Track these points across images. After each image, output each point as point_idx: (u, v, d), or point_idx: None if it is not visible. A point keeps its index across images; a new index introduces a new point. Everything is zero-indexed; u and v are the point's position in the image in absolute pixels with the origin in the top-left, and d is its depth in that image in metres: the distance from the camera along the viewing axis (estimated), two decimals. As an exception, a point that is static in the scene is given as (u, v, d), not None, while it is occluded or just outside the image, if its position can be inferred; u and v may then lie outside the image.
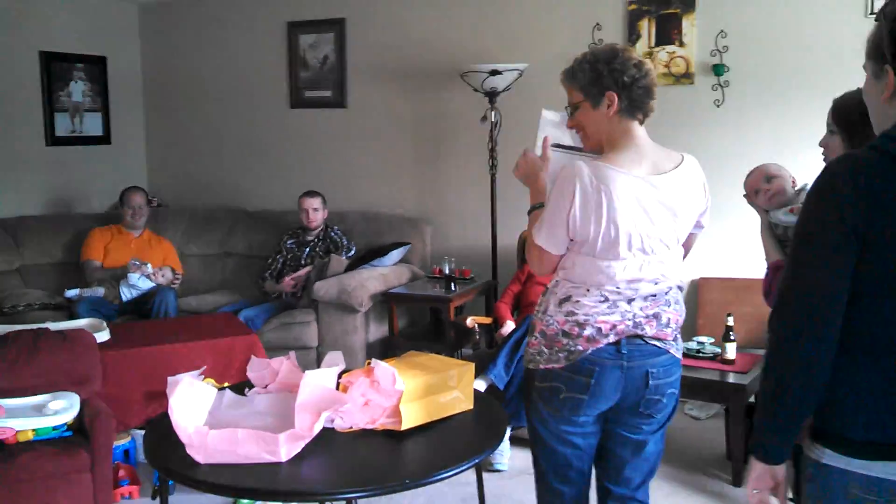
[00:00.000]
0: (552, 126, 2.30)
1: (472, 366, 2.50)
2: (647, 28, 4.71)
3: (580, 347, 2.10)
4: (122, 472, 3.57)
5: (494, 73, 4.69)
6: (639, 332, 2.11)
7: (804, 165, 3.29)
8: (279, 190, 5.91)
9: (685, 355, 3.14)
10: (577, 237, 2.07)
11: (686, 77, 4.64)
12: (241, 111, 6.12)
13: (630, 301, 2.11)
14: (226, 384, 2.70)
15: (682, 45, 4.64)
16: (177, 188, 6.38)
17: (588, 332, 2.08)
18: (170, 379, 2.24)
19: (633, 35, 4.74)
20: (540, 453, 2.30)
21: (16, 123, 5.54)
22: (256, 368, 2.59)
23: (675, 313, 2.19)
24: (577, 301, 2.11)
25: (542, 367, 2.17)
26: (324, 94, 5.80)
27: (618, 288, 2.10)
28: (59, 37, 5.79)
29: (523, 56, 4.89)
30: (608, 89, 2.13)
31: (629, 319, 2.10)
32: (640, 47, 4.70)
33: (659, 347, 2.15)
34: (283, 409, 2.33)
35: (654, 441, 2.27)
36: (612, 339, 2.09)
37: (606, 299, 2.10)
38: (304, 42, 5.81)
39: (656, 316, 2.14)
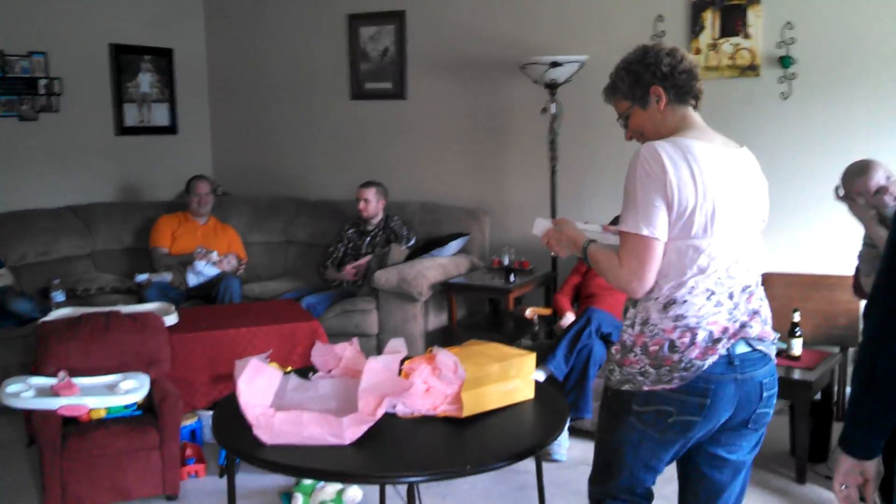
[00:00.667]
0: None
1: (533, 355, 2.52)
2: (710, 19, 4.64)
3: (696, 363, 1.94)
4: (188, 451, 3.68)
5: (555, 64, 4.67)
6: (747, 332, 1.99)
7: (876, 159, 3.23)
8: (340, 180, 5.99)
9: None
10: (677, 208, 1.92)
11: (751, 69, 4.56)
12: (302, 102, 6.21)
13: (731, 296, 1.99)
14: (289, 368, 2.76)
15: (747, 36, 4.55)
16: (241, 177, 6.51)
17: (700, 337, 1.95)
18: (237, 361, 2.31)
19: (696, 27, 4.67)
20: (615, 470, 2.11)
21: (87, 114, 5.71)
22: (321, 353, 2.64)
23: (768, 309, 2.10)
24: (685, 301, 1.96)
25: (645, 388, 1.99)
26: (384, 85, 5.85)
27: (719, 278, 1.97)
28: (128, 29, 5.95)
29: (584, 48, 4.85)
30: (651, 85, 2.09)
31: (735, 320, 1.98)
32: (704, 39, 4.63)
33: (765, 354, 2.04)
34: (346, 394, 2.38)
35: (751, 459, 2.13)
36: (725, 344, 1.96)
37: (712, 293, 1.97)
38: (365, 34, 5.86)
39: (756, 312, 2.03)
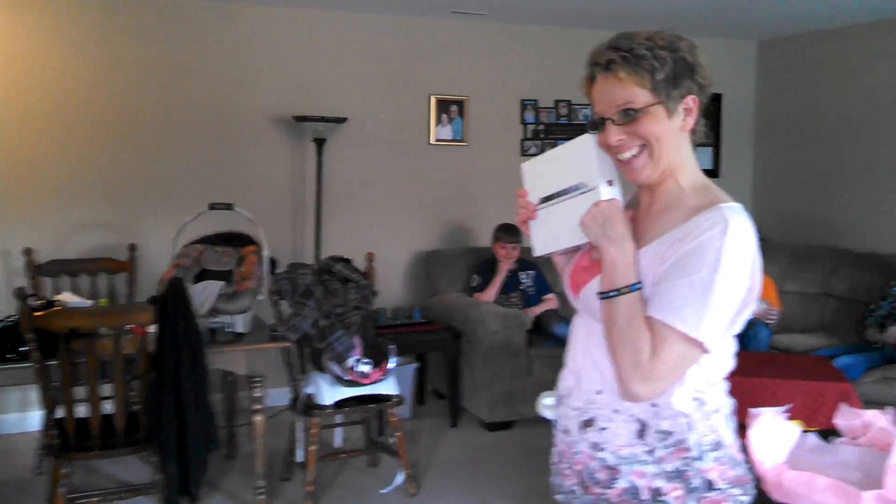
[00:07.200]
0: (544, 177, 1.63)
1: None
2: None
3: None
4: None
5: None
6: None
7: None
8: (891, 230, 5.40)
9: None
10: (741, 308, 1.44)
11: None
12: (858, 144, 5.75)
13: None
14: (813, 428, 2.59)
15: None
16: (780, 222, 6.29)
17: None
18: (751, 410, 2.25)
19: None
20: None
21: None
22: (846, 417, 2.43)
23: None
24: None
25: None
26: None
27: None
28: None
29: None
30: (689, 92, 1.48)
31: None
32: None
33: None
34: (871, 466, 2.15)
35: None
36: None
37: None
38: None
39: None
